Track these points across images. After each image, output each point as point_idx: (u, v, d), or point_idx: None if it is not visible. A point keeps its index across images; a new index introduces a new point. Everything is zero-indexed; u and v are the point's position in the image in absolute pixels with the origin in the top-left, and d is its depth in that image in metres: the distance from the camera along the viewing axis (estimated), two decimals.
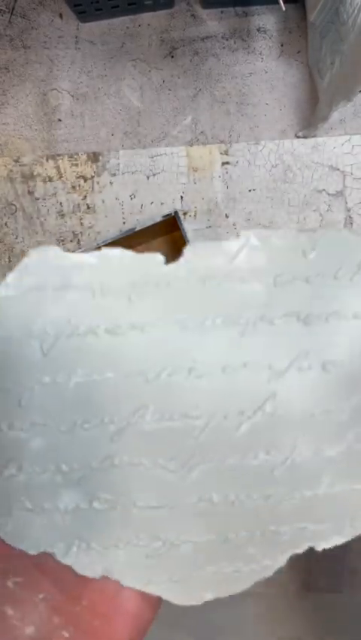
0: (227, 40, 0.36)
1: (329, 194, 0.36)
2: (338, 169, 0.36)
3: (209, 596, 0.20)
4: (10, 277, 0.20)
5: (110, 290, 0.20)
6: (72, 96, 0.37)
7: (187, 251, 0.20)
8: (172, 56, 0.37)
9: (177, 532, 0.21)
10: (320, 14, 0.33)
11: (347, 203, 0.36)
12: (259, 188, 0.36)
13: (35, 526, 0.20)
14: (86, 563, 0.20)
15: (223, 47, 0.36)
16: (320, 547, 0.20)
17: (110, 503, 0.20)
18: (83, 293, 0.20)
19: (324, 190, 0.36)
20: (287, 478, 0.20)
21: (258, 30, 0.36)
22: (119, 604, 0.20)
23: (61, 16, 0.37)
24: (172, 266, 0.20)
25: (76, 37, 0.37)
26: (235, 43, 0.36)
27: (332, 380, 0.20)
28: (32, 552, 0.20)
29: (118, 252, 0.20)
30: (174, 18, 0.37)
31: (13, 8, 0.37)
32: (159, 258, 0.20)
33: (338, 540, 0.20)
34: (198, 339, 0.20)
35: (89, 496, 0.20)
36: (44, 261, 0.20)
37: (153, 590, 0.20)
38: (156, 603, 0.21)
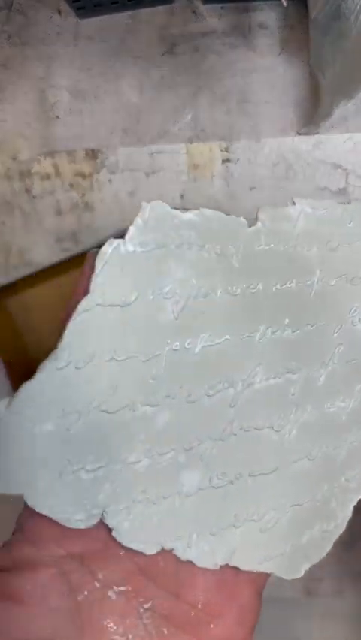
0: (228, 36, 0.36)
1: (331, 192, 0.36)
2: (341, 166, 0.35)
3: (306, 566, 0.20)
4: (133, 232, 0.19)
5: (220, 250, 0.20)
6: (71, 93, 0.37)
7: (261, 214, 0.21)
8: (172, 53, 0.36)
9: (286, 498, 0.20)
10: (322, 11, 0.32)
11: (349, 200, 0.35)
12: (260, 186, 0.36)
13: (154, 521, 0.18)
14: (206, 553, 0.18)
15: (224, 44, 0.36)
16: None
17: (229, 477, 0.19)
18: (201, 252, 0.20)
19: (326, 188, 0.36)
20: (351, 422, 0.22)
21: (259, 26, 0.36)
22: (233, 598, 0.18)
23: (59, 12, 0.37)
24: (253, 229, 0.21)
25: (75, 34, 0.37)
26: (235, 39, 0.36)
27: None
28: (151, 552, 0.18)
29: (212, 212, 0.21)
30: (173, 14, 0.36)
31: (11, 4, 0.37)
32: (243, 220, 0.21)
33: None
34: (284, 300, 0.21)
35: (209, 473, 0.19)
36: (161, 216, 0.19)
37: (268, 567, 0.19)
38: (261, 588, 0.20)
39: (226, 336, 0.20)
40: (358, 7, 0.30)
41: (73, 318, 0.18)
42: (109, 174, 0.37)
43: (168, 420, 0.19)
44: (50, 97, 0.37)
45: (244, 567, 0.19)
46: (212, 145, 0.36)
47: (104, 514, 0.18)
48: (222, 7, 0.36)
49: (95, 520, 0.17)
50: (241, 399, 0.20)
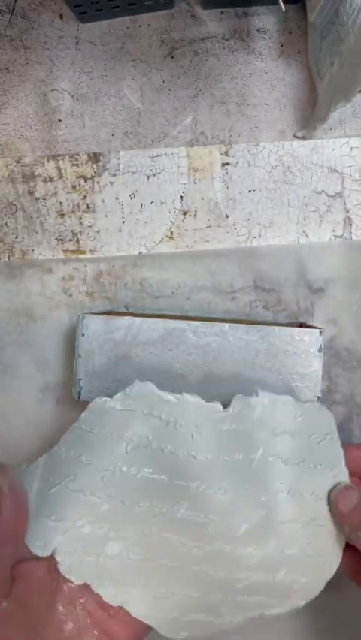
0: (227, 40, 0.36)
1: (328, 196, 0.36)
2: (337, 171, 0.36)
3: (184, 635, 0.29)
4: (118, 395, 0.30)
5: (180, 426, 0.29)
6: (72, 96, 0.37)
7: (234, 401, 0.30)
8: (172, 57, 0.37)
9: (181, 587, 0.29)
10: (320, 15, 0.33)
11: (345, 204, 0.36)
12: (259, 189, 0.36)
13: (85, 565, 0.29)
14: (111, 595, 0.29)
15: (223, 48, 0.36)
16: (269, 614, 0.30)
17: (142, 556, 0.29)
18: (162, 422, 0.29)
19: (323, 191, 0.36)
20: (259, 566, 0.29)
21: (258, 30, 0.36)
22: (126, 626, 0.29)
23: (61, 16, 0.37)
24: (223, 414, 0.29)
25: (76, 38, 0.37)
26: (234, 43, 0.36)
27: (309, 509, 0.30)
28: (77, 583, 0.28)
29: (193, 397, 0.30)
30: (174, 18, 0.37)
31: (13, 8, 0.37)
32: (218, 406, 0.30)
33: (278, 611, 0.30)
34: (227, 468, 0.30)
35: (128, 549, 0.29)
36: (142, 391, 0.30)
37: (151, 622, 0.29)
38: (141, 635, 0.30)
39: (163, 477, 0.29)
40: (355, 11, 0.30)
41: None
42: (110, 176, 0.37)
43: (107, 510, 0.29)
44: (52, 100, 0.37)
45: (134, 614, 0.29)
46: (212, 148, 0.36)
47: (54, 551, 0.28)
48: (221, 12, 0.36)
49: (48, 553, 0.28)
50: (163, 519, 0.29)
